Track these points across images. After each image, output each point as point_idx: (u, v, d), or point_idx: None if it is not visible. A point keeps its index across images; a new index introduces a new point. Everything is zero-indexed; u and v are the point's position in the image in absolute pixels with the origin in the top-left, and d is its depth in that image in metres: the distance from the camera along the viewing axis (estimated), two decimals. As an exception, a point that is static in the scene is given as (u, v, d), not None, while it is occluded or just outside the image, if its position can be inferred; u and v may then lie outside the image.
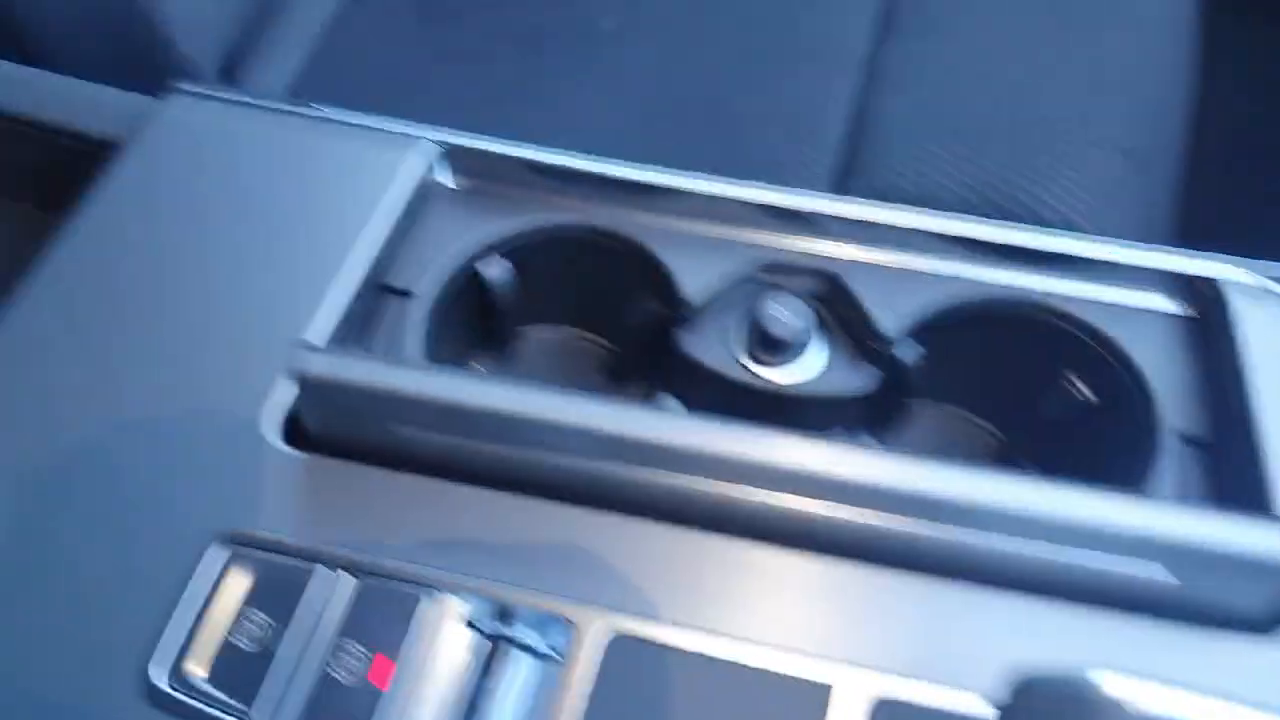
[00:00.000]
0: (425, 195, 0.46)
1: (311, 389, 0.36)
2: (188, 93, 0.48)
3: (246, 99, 0.48)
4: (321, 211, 0.44)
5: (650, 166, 0.47)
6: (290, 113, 0.47)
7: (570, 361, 0.51)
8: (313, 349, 0.36)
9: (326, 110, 0.48)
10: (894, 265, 0.45)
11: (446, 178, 0.47)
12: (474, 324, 0.49)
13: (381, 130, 0.47)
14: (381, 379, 0.35)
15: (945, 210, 0.45)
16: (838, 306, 0.45)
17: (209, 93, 0.48)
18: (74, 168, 0.48)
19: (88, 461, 0.37)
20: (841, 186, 0.66)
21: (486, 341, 0.50)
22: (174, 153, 0.46)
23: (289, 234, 0.43)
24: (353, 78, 0.82)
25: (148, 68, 0.67)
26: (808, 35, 0.71)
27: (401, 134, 0.47)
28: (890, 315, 0.44)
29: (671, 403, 0.47)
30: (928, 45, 0.71)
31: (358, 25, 0.86)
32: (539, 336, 0.52)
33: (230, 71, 0.80)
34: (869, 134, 0.68)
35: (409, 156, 0.46)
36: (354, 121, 0.47)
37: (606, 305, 0.49)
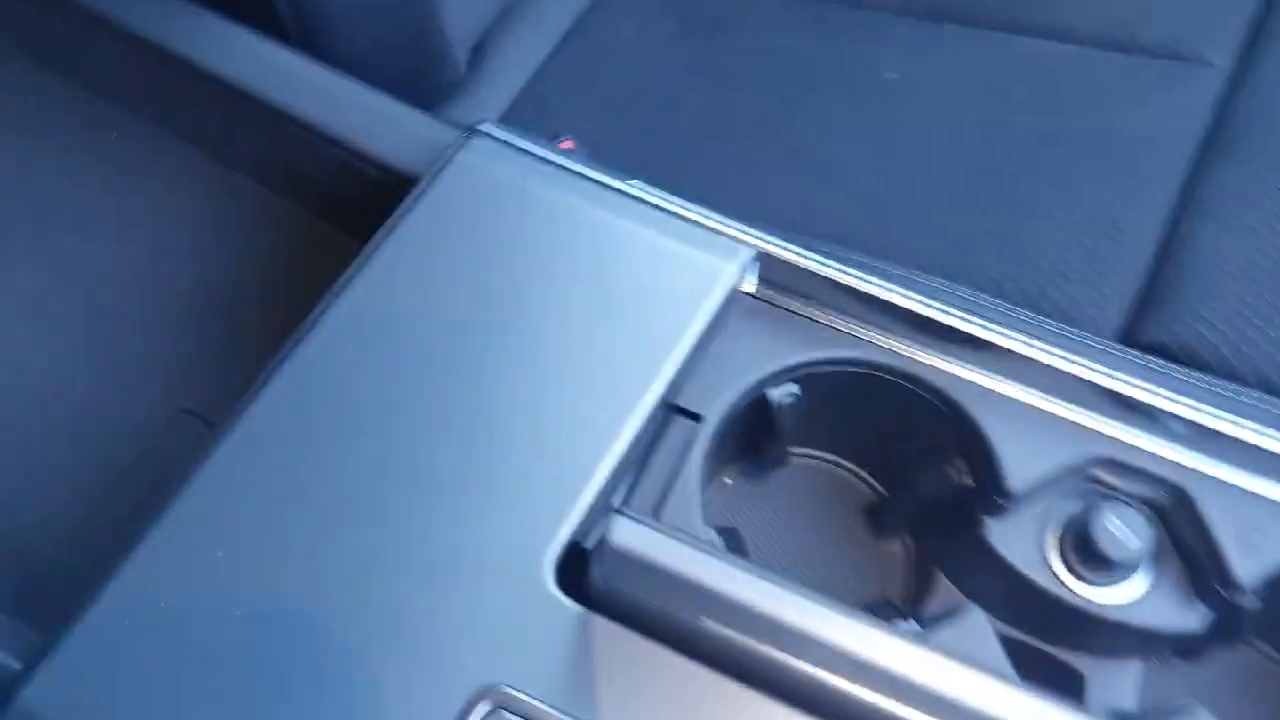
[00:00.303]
0: (729, 304, 0.41)
1: (613, 557, 0.32)
2: (491, 137, 0.44)
3: (555, 157, 0.43)
4: (625, 309, 0.40)
5: (978, 317, 0.41)
6: (602, 184, 0.43)
7: (832, 494, 0.47)
8: (624, 515, 0.32)
9: (636, 185, 0.43)
10: (1262, 494, 0.38)
11: (751, 283, 0.42)
12: (746, 439, 0.44)
13: (697, 224, 0.42)
14: (691, 567, 0.31)
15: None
16: (1181, 528, 0.39)
17: (514, 141, 0.44)
18: (372, 196, 0.46)
19: (344, 585, 0.34)
20: (1137, 317, 0.59)
21: (751, 454, 0.46)
22: (469, 209, 0.42)
23: (590, 330, 0.39)
24: (601, 78, 0.77)
25: (409, 49, 0.64)
26: (1126, 138, 0.63)
27: (717, 232, 0.42)
28: (1249, 558, 0.37)
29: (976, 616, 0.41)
30: (1261, 175, 0.61)
31: (612, 21, 0.81)
32: (804, 462, 0.47)
33: (480, 51, 0.77)
34: (1177, 264, 0.60)
35: (724, 264, 0.41)
36: (666, 205, 0.43)
37: (895, 450, 0.44)
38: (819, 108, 0.72)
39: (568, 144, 0.55)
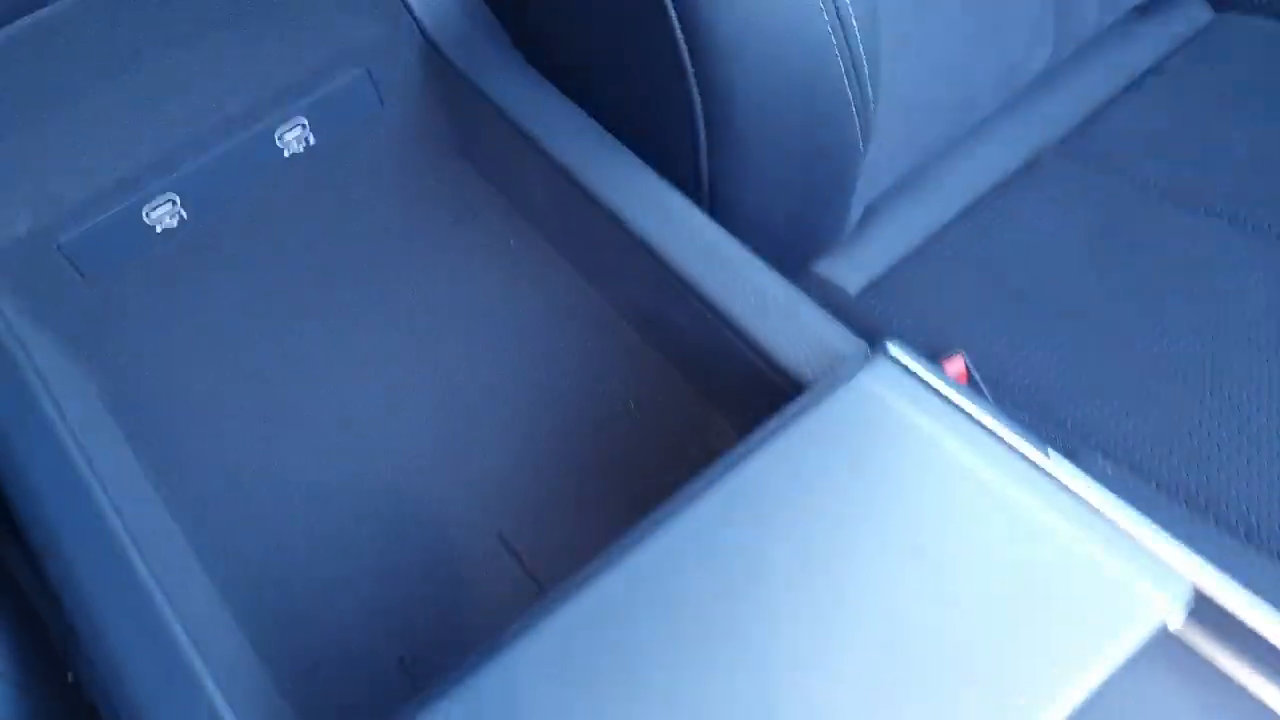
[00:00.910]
0: (1152, 643, 0.34)
1: None
2: (894, 360, 0.40)
3: (965, 402, 0.38)
4: (1019, 606, 0.34)
5: None
6: (1017, 452, 0.37)
7: None
8: None
9: (1055, 460, 0.37)
10: None
11: (1179, 619, 0.34)
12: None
13: (1121, 530, 0.35)
14: None
15: None
16: None
17: (920, 372, 0.40)
18: (752, 381, 0.43)
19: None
20: None
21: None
22: (865, 438, 0.38)
23: (970, 615, 0.34)
24: (993, 262, 0.72)
25: (811, 214, 0.62)
26: None
27: (1151, 553, 0.35)
28: None
29: None
30: None
31: (1015, 205, 0.75)
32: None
33: (869, 212, 0.74)
34: None
35: (1154, 592, 0.34)
36: (1086, 495, 0.36)
37: None
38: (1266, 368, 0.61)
39: (958, 363, 0.50)
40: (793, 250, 0.62)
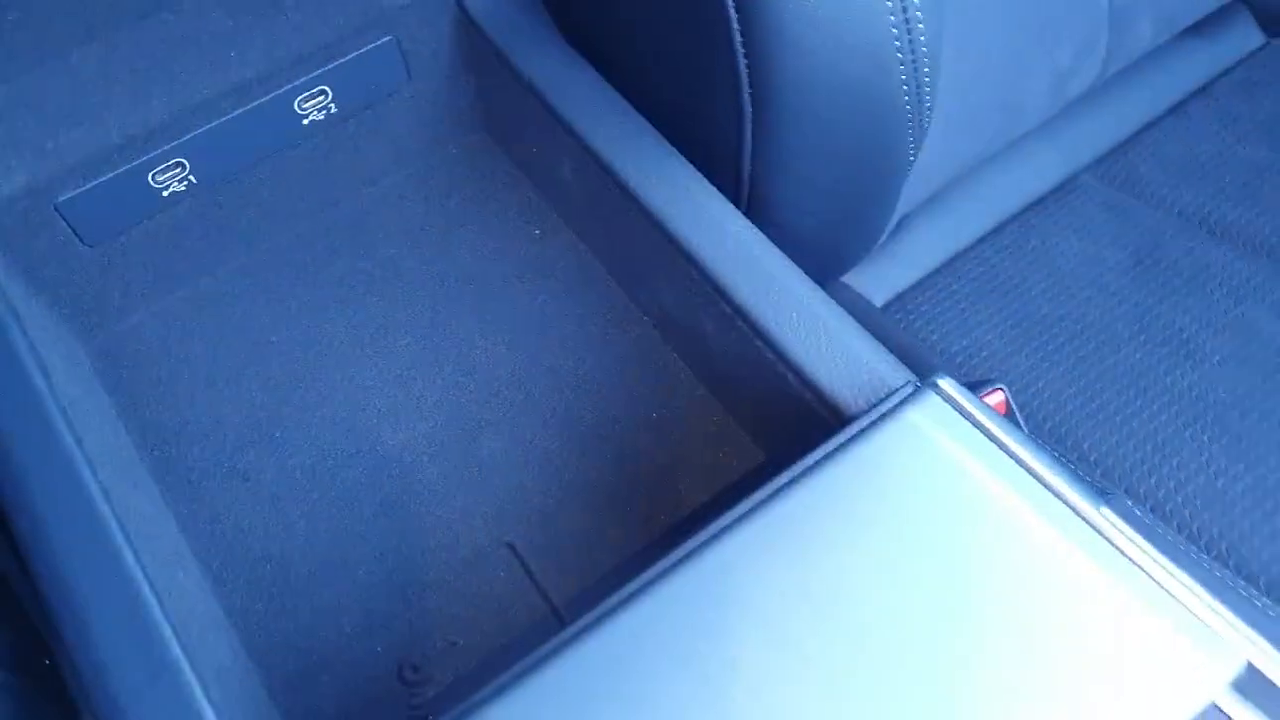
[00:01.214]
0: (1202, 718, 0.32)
1: None
2: (944, 396, 0.38)
3: (1016, 444, 0.36)
4: (1059, 667, 0.32)
5: None
6: (1071, 506, 0.35)
7: None
8: None
9: (1107, 515, 0.35)
10: None
11: (1233, 706, 0.33)
12: None
13: (1178, 600, 0.33)
14: None
15: None
16: None
17: (970, 410, 0.37)
18: (790, 409, 0.41)
19: None
20: None
21: None
22: (912, 477, 0.36)
23: (1012, 673, 0.32)
24: (1023, 286, 0.69)
25: (850, 226, 0.59)
26: None
27: (1204, 623, 0.33)
28: None
29: None
30: None
31: (1050, 229, 0.73)
32: None
33: (901, 224, 0.72)
34: None
35: (1206, 664, 0.32)
36: (1140, 557, 0.34)
37: None
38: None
39: (998, 396, 0.48)
40: (824, 260, 0.59)
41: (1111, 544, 0.34)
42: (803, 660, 0.33)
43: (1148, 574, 0.34)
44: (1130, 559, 0.34)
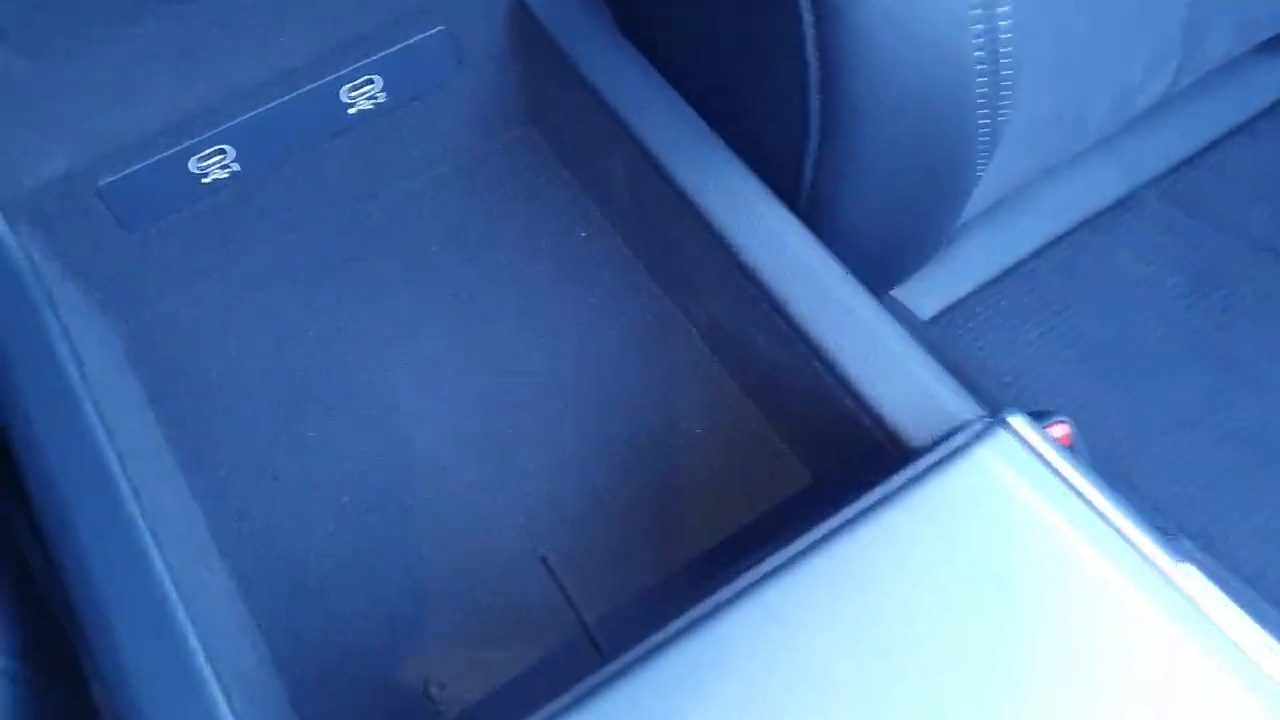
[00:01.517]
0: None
1: None
2: (1016, 435, 0.36)
3: (1092, 491, 0.34)
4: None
5: None
6: (1148, 560, 0.33)
7: None
8: None
9: (1187, 571, 0.33)
10: None
11: (1315, 782, 0.31)
12: None
13: (1261, 669, 0.31)
14: None
15: None
16: None
17: (1043, 451, 0.35)
18: (847, 433, 0.39)
19: None
20: None
21: None
22: (980, 521, 0.34)
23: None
24: (1076, 308, 0.67)
25: (908, 243, 0.57)
26: None
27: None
28: None
29: None
30: None
31: (1107, 246, 0.71)
32: None
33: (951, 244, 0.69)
34: None
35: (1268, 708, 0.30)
36: (1213, 609, 0.32)
37: None
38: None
39: (1063, 429, 0.46)
40: (878, 273, 0.57)
41: (1193, 603, 0.33)
42: (863, 713, 0.31)
43: (1232, 640, 0.32)
44: (1211, 620, 0.32)
